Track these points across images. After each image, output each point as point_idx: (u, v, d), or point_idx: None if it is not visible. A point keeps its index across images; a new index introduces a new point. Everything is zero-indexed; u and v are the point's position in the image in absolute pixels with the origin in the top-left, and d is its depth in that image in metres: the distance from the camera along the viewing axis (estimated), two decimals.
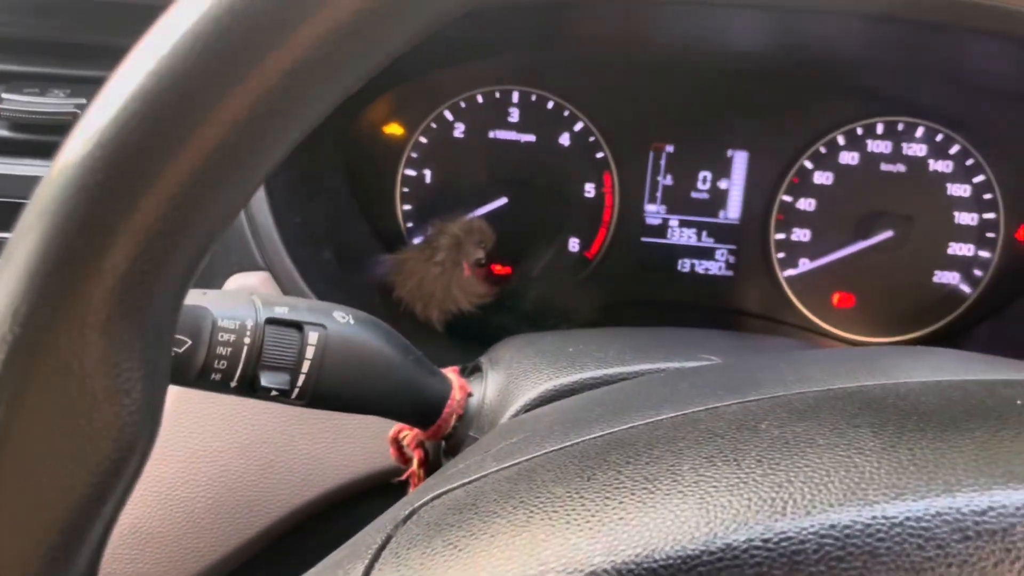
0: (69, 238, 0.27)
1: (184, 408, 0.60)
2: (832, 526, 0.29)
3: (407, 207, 0.82)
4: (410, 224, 0.83)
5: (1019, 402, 0.35)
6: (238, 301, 0.44)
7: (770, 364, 0.43)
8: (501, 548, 0.32)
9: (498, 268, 0.83)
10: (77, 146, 0.27)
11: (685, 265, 0.83)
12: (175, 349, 0.42)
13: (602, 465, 0.34)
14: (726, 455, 0.33)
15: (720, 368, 0.45)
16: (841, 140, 0.80)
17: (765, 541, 0.29)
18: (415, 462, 0.55)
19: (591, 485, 0.33)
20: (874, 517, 0.29)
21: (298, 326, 0.45)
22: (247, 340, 0.43)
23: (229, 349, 0.43)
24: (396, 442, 0.55)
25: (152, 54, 0.26)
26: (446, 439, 0.53)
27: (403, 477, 0.56)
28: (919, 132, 0.80)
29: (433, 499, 0.38)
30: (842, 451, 0.32)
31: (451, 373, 0.53)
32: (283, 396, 0.45)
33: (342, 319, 0.47)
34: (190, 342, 0.42)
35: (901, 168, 0.80)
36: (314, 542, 0.61)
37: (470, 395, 0.53)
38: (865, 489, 0.30)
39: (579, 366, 0.50)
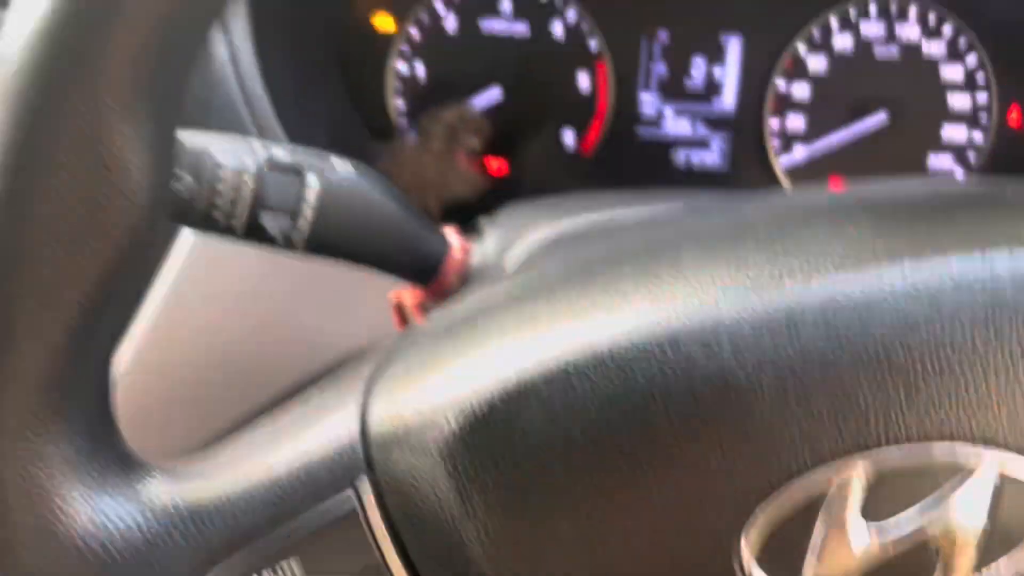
0: (80, 10, 0.27)
1: (188, 283, 0.60)
2: (830, 289, 0.30)
3: (399, 102, 0.82)
4: (403, 120, 0.83)
5: (1009, 194, 0.35)
6: (238, 143, 0.44)
7: (761, 195, 0.44)
8: (509, 335, 0.32)
9: (492, 162, 0.83)
10: None
11: (680, 156, 0.84)
12: (176, 186, 0.42)
13: (604, 263, 0.35)
14: (724, 244, 0.34)
15: (715, 199, 0.45)
16: (834, 23, 0.80)
17: (764, 307, 0.30)
18: None
19: (594, 280, 0.34)
20: (868, 279, 0.30)
21: (298, 170, 0.45)
22: (247, 180, 0.43)
23: (229, 188, 0.43)
24: (398, 306, 0.56)
25: None
26: (448, 299, 0.53)
27: None
28: (912, 12, 0.79)
29: (436, 316, 0.38)
30: (837, 228, 0.32)
31: (450, 232, 0.54)
32: (283, 241, 0.46)
33: (341, 167, 0.47)
34: (190, 178, 0.42)
35: (894, 51, 0.80)
36: None
37: (470, 252, 0.53)
38: (858, 256, 0.30)
39: (581, 212, 0.50)
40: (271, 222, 0.45)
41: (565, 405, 0.29)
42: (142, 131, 0.29)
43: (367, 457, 0.31)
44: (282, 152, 0.45)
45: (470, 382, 0.31)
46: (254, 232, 0.44)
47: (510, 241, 0.51)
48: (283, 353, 0.60)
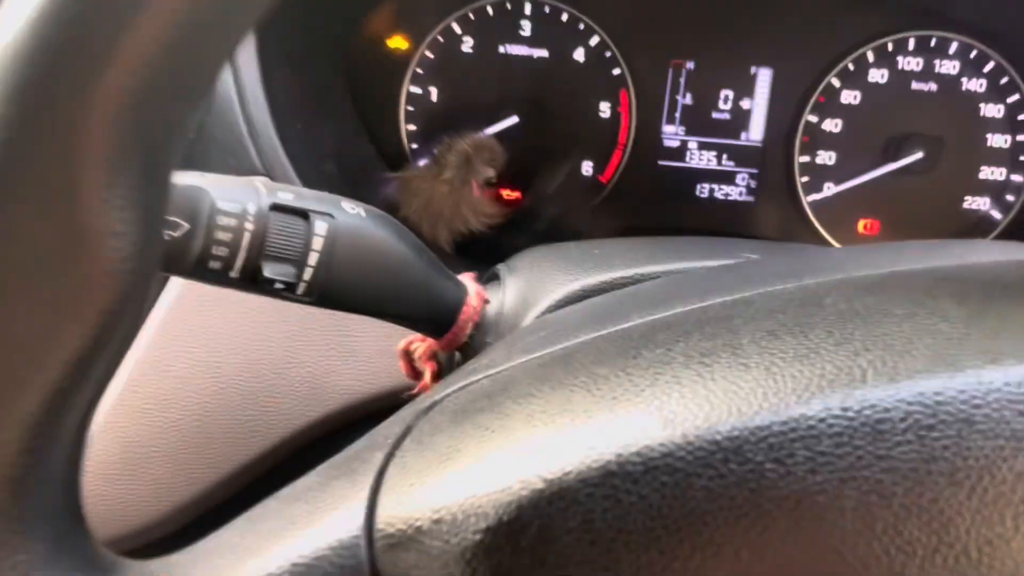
0: (58, 52, 0.23)
1: (180, 320, 0.56)
2: (921, 393, 0.25)
3: (412, 127, 0.78)
4: (415, 145, 0.79)
5: None
6: (239, 185, 0.40)
7: (824, 253, 0.40)
8: (540, 427, 0.28)
9: (507, 192, 0.79)
10: None
11: (704, 190, 0.80)
12: (170, 232, 0.38)
13: (648, 345, 0.31)
14: (790, 328, 0.29)
15: (767, 260, 0.41)
16: (870, 56, 0.76)
17: (844, 410, 0.25)
18: (427, 375, 0.51)
19: (638, 363, 0.30)
20: (967, 383, 0.25)
21: (304, 214, 0.41)
22: (249, 226, 0.39)
23: (229, 235, 0.39)
24: (407, 354, 0.52)
25: None
26: (461, 350, 0.49)
27: (414, 392, 0.52)
28: (952, 48, 0.76)
29: (457, 391, 0.34)
30: (924, 319, 0.28)
31: (467, 279, 0.50)
32: (288, 291, 0.41)
33: (352, 210, 0.43)
34: (187, 225, 0.38)
35: (932, 87, 0.76)
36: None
37: (487, 301, 0.49)
38: (955, 355, 0.26)
39: (607, 266, 0.46)
40: (273, 270, 0.40)
41: (607, 517, 0.25)
42: (126, 191, 0.25)
43: (372, 562, 0.27)
44: (287, 195, 0.41)
45: (494, 481, 0.27)
46: (254, 281, 0.40)
47: (532, 296, 0.47)
48: (279, 401, 0.56)
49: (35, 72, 0.23)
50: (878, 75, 0.77)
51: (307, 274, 0.41)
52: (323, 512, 0.29)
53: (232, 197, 0.39)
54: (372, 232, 0.44)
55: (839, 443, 0.25)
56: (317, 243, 0.41)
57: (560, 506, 0.25)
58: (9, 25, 0.23)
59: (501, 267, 0.51)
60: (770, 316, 0.31)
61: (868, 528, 0.24)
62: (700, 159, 0.79)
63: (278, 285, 0.41)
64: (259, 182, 0.41)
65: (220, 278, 0.40)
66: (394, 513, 0.28)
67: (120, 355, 0.27)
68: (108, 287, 0.25)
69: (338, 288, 0.43)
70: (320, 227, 0.42)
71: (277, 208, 0.40)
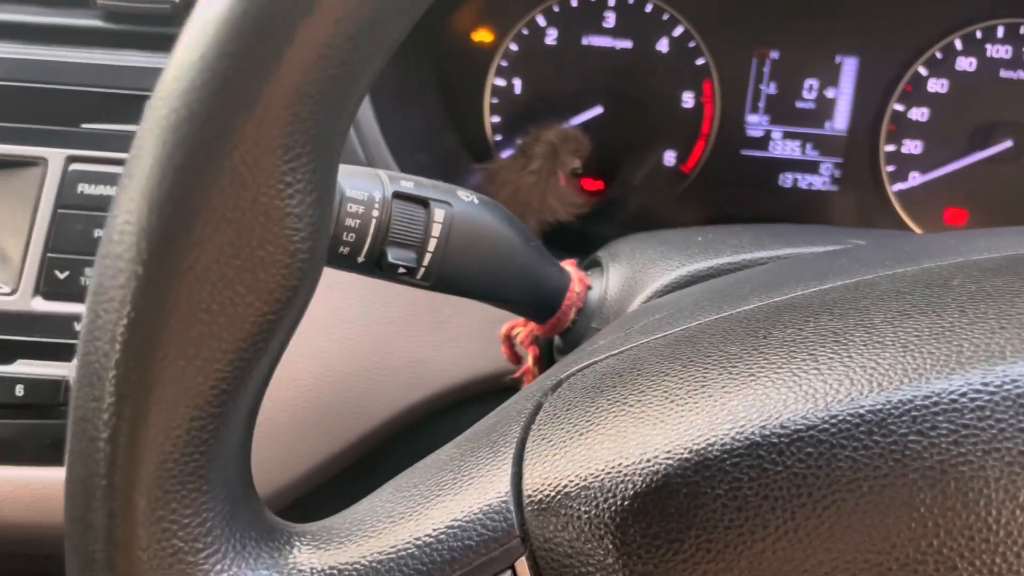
0: (246, 45, 0.25)
1: None
2: None
3: (496, 118, 0.80)
4: (499, 137, 0.80)
5: None
6: (365, 175, 0.42)
7: (936, 239, 0.40)
8: (679, 404, 0.30)
9: (590, 183, 0.80)
10: None
11: (787, 180, 0.80)
12: None
13: (776, 325, 0.32)
14: (921, 308, 0.30)
15: (879, 245, 0.42)
16: (959, 44, 0.76)
17: (985, 384, 0.26)
18: (529, 359, 0.53)
19: (769, 343, 0.31)
20: None
21: (424, 202, 0.43)
22: (375, 213, 0.41)
23: (358, 221, 0.41)
24: (508, 339, 0.54)
25: None
26: (563, 334, 0.51)
27: (516, 375, 0.54)
28: None
29: (582, 369, 0.36)
30: None
31: (569, 266, 0.51)
32: (408, 275, 0.43)
33: (466, 198, 0.45)
34: None
35: (1022, 74, 0.75)
36: (421, 446, 0.60)
37: (589, 287, 0.50)
38: None
39: (713, 252, 0.47)
40: (396, 255, 0.42)
41: (754, 485, 0.26)
42: (305, 175, 0.27)
43: (522, 525, 0.29)
44: (408, 183, 0.43)
45: (639, 452, 0.28)
46: (378, 266, 0.42)
47: (638, 281, 0.48)
48: (381, 383, 0.59)
49: (224, 65, 0.25)
50: (966, 63, 0.76)
51: (426, 259, 0.43)
52: (470, 479, 0.31)
53: (359, 186, 0.41)
54: (485, 219, 0.45)
55: (981, 416, 0.25)
56: (435, 229, 0.43)
57: (707, 475, 0.27)
58: (204, 24, 0.25)
59: (601, 253, 0.53)
60: (899, 297, 0.31)
61: (1012, 497, 0.25)
62: (784, 148, 0.79)
63: (400, 270, 0.43)
64: (382, 172, 0.43)
65: (347, 263, 0.42)
66: (540, 480, 0.29)
67: (291, 330, 0.29)
68: (290, 265, 0.27)
69: (453, 272, 0.45)
70: (438, 214, 0.43)
71: (399, 196, 0.42)
